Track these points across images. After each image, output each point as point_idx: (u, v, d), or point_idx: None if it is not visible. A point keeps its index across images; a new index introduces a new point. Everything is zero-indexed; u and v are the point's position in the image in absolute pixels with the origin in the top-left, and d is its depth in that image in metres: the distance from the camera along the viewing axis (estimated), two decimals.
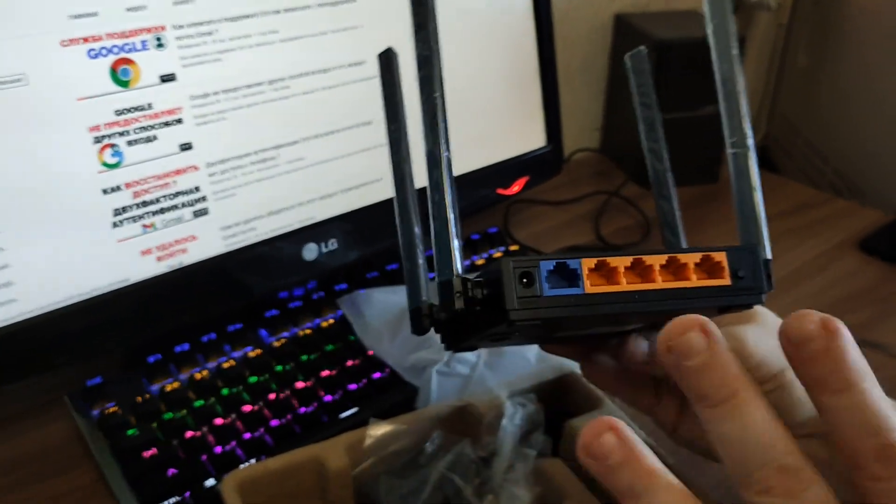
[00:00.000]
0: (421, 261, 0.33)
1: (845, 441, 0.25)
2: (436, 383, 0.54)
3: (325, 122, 0.63)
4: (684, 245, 0.41)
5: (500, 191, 0.75)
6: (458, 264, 0.32)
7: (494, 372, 0.53)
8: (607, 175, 0.98)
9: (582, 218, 0.89)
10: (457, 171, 0.76)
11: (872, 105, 1.07)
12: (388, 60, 0.36)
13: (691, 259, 0.34)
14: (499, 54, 0.72)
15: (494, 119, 0.74)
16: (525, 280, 0.31)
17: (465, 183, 0.72)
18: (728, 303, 0.35)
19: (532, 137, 0.77)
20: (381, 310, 0.63)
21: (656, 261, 0.33)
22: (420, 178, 0.34)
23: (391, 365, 0.59)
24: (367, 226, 0.66)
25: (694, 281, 0.34)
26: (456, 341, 0.35)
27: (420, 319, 0.33)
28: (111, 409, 0.55)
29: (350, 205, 0.65)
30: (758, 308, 0.41)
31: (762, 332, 0.40)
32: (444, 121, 0.33)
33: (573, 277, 0.32)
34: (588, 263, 0.32)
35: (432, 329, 0.33)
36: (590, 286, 0.32)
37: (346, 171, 0.64)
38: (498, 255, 0.74)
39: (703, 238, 0.82)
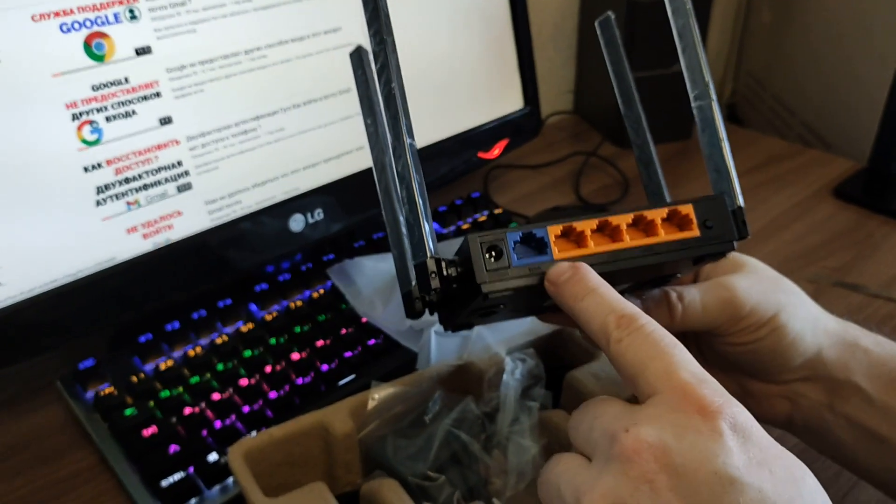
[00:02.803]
0: (408, 247, 0.34)
1: (594, 326, 0.31)
2: (435, 344, 0.54)
3: (304, 90, 0.62)
4: None
5: (482, 154, 0.75)
6: (431, 245, 0.33)
7: (492, 330, 0.53)
8: (583, 136, 0.99)
9: (561, 180, 0.89)
10: (438, 136, 0.76)
11: (835, 57, 1.09)
12: (359, 58, 0.37)
13: (658, 215, 0.35)
14: (475, 22, 0.72)
15: (473, 84, 0.73)
16: (493, 253, 0.32)
17: (448, 148, 0.71)
18: (699, 253, 0.35)
19: (510, 100, 0.77)
20: (371, 277, 0.63)
21: (623, 220, 0.34)
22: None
23: (386, 330, 0.59)
24: (352, 194, 0.66)
25: (662, 236, 0.35)
26: (451, 320, 0.36)
27: (412, 303, 0.34)
28: (107, 391, 0.55)
29: (334, 174, 0.65)
30: (748, 259, 0.42)
31: (752, 280, 0.40)
32: (405, 110, 0.34)
33: (541, 246, 0.33)
34: (554, 230, 0.33)
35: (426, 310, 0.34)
36: (558, 252, 0.33)
37: (328, 139, 0.64)
38: (482, 219, 0.74)
39: (681, 193, 0.83)
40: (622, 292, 0.39)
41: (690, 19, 0.37)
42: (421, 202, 0.33)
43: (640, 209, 0.35)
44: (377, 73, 0.33)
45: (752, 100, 1.26)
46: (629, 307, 0.31)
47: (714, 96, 0.37)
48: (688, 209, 0.35)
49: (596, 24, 0.43)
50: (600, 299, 0.31)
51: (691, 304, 0.39)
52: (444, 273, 0.32)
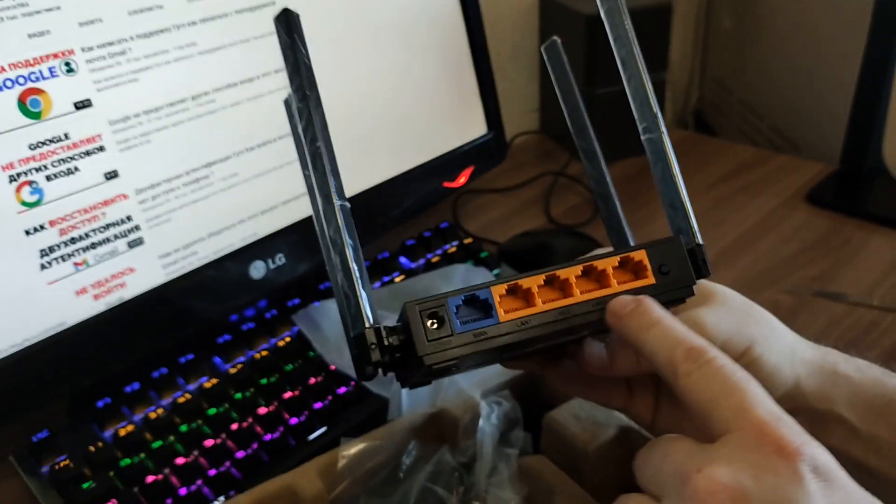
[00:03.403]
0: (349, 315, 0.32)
1: (662, 357, 0.30)
2: (406, 391, 0.51)
3: (256, 133, 0.60)
4: (632, 243, 0.40)
5: (447, 184, 0.73)
6: (369, 315, 0.31)
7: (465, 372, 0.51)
8: (550, 155, 0.97)
9: (531, 202, 0.87)
10: (400, 169, 0.74)
11: (798, 59, 1.09)
12: (290, 108, 0.35)
13: (609, 264, 0.33)
14: (431, 48, 0.70)
15: (433, 113, 0.71)
16: (435, 320, 0.30)
17: (411, 180, 0.70)
18: (658, 301, 0.33)
19: (473, 126, 0.75)
20: (338, 321, 0.60)
21: (571, 273, 0.33)
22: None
23: (356, 377, 0.56)
24: (313, 236, 0.63)
25: (616, 286, 0.33)
26: (407, 378, 0.34)
27: (363, 366, 0.32)
28: (63, 463, 0.52)
29: (293, 216, 0.62)
30: (716, 288, 0.40)
31: (722, 313, 0.38)
32: (334, 169, 0.32)
33: (486, 307, 0.32)
34: (499, 290, 0.32)
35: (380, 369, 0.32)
36: (504, 313, 0.31)
37: (285, 181, 0.62)
38: (452, 250, 0.72)
39: (653, 209, 0.81)
40: (583, 337, 0.37)
41: (634, 48, 0.35)
42: (356, 269, 0.30)
43: (590, 258, 0.33)
44: (302, 132, 0.31)
45: (720, 105, 1.26)
46: (698, 339, 0.30)
47: (664, 128, 0.35)
48: (641, 255, 0.33)
49: (542, 49, 0.41)
50: (666, 331, 0.30)
51: None
52: (386, 342, 0.30)
